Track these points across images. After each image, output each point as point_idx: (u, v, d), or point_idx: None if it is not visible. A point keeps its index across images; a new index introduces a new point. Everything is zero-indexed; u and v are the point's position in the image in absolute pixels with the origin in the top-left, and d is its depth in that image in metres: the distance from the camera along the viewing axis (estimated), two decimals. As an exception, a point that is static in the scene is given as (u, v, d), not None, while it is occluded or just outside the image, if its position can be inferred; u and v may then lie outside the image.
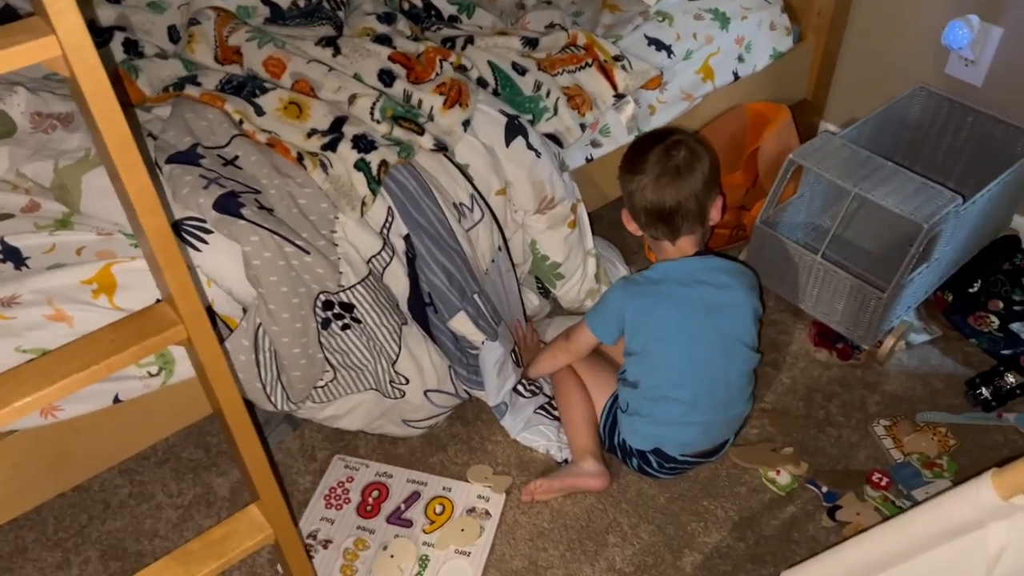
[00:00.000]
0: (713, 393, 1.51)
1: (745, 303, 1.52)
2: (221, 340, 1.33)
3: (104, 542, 1.53)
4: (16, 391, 0.92)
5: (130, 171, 0.89)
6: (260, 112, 1.51)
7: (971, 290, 1.81)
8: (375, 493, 1.58)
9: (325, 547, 1.50)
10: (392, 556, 1.48)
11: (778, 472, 1.59)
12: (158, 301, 1.29)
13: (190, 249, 1.31)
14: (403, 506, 1.56)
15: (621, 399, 1.56)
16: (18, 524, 1.55)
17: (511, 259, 1.67)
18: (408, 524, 1.54)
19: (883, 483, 1.56)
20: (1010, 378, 1.67)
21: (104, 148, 0.88)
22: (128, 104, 1.50)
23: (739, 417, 1.59)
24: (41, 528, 1.55)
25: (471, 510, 1.55)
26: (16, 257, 1.30)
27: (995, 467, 0.81)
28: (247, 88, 1.53)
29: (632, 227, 1.57)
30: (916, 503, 1.52)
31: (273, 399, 1.42)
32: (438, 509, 1.56)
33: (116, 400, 1.32)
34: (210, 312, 1.34)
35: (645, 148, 1.51)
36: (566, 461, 1.62)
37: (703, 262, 1.53)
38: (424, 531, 1.52)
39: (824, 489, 1.56)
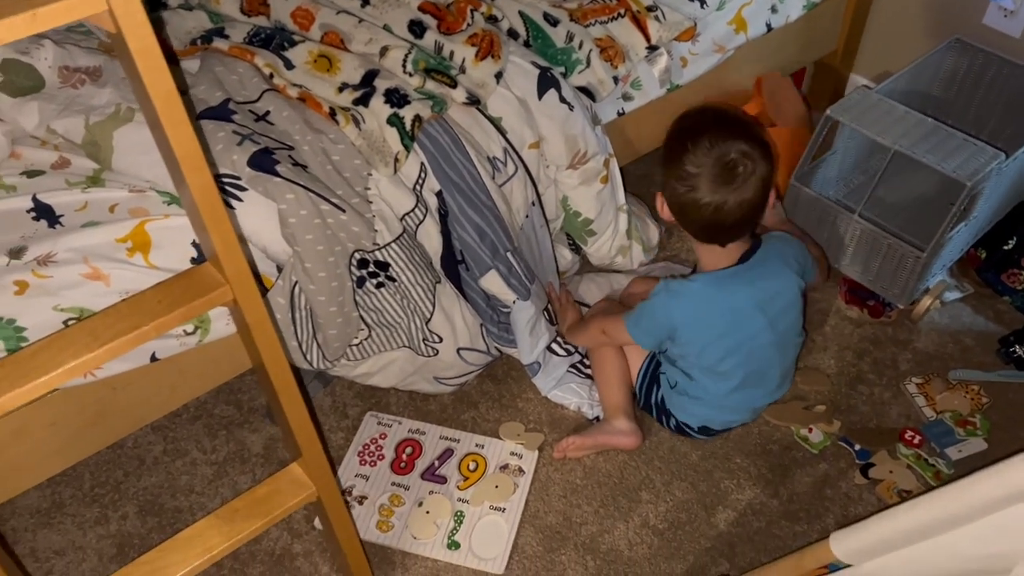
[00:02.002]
0: (765, 385, 1.53)
1: (797, 296, 1.48)
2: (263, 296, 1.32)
3: (141, 498, 1.55)
4: (67, 352, 0.92)
5: (176, 128, 0.87)
6: (290, 66, 1.48)
7: (1005, 247, 1.79)
8: (408, 450, 1.59)
9: (360, 503, 1.51)
10: (428, 512, 1.49)
11: (810, 430, 1.59)
12: (192, 260, 1.30)
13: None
14: (437, 463, 1.57)
15: (670, 376, 1.54)
16: (55, 481, 1.56)
17: (544, 214, 1.65)
18: (442, 480, 1.54)
19: (916, 441, 1.56)
20: (1044, 336, 1.66)
21: (150, 105, 0.85)
22: (174, 60, 1.46)
23: (783, 395, 1.60)
24: (78, 484, 1.57)
25: (504, 467, 1.56)
26: (49, 215, 1.28)
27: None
28: (275, 41, 1.50)
29: (665, 214, 1.44)
30: (950, 461, 1.53)
31: (309, 357, 1.42)
32: (471, 466, 1.56)
33: (153, 359, 1.31)
34: (246, 270, 1.33)
35: (696, 142, 1.32)
36: (597, 419, 1.62)
37: (754, 269, 1.43)
38: (458, 487, 1.53)
39: (856, 447, 1.57)
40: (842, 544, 0.99)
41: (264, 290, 1.36)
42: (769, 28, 1.94)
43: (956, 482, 0.86)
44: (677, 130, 1.41)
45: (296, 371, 1.51)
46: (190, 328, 1.32)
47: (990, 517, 0.84)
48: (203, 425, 1.66)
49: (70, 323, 1.20)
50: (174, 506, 1.53)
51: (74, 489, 1.56)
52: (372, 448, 1.60)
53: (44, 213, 1.28)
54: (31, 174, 1.33)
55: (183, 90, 1.43)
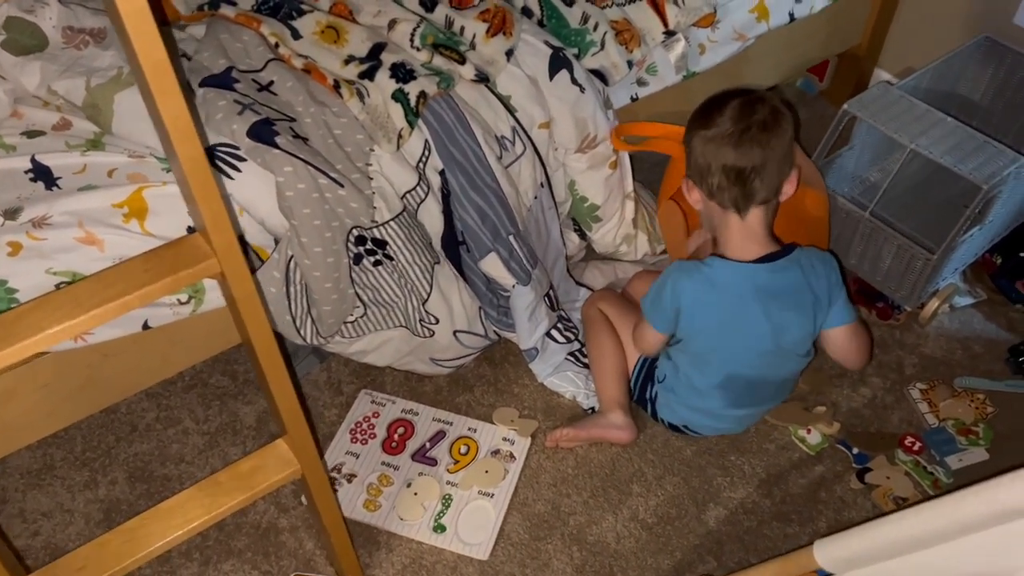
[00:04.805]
0: (756, 395, 1.50)
1: (810, 318, 1.42)
2: (252, 272, 1.31)
3: (131, 464, 1.55)
4: (49, 318, 0.91)
5: (165, 96, 0.85)
6: (296, 36, 1.45)
7: (1022, 254, 1.75)
8: (400, 430, 1.58)
9: (349, 481, 1.51)
10: (416, 493, 1.49)
11: (808, 431, 1.57)
12: (189, 229, 1.29)
13: (222, 177, 1.27)
14: (428, 444, 1.56)
15: (659, 369, 1.52)
16: (46, 442, 1.57)
17: (553, 196, 1.62)
18: (433, 462, 1.53)
19: (915, 448, 1.53)
20: (1055, 347, 1.62)
21: (140, 71, 0.83)
22: (165, 23, 1.45)
23: (775, 406, 1.57)
24: (69, 447, 1.57)
25: (496, 452, 1.55)
26: (47, 176, 1.27)
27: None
28: (283, 10, 1.48)
29: (694, 196, 1.41)
30: (949, 471, 1.50)
31: (303, 332, 1.40)
32: (463, 449, 1.55)
33: (145, 327, 1.30)
34: (241, 242, 1.32)
35: (722, 101, 1.36)
36: (592, 409, 1.60)
37: (774, 273, 1.38)
38: (448, 470, 1.52)
39: (855, 450, 1.54)
40: (825, 552, 0.97)
41: (260, 262, 1.35)
42: (792, 18, 1.89)
43: (943, 497, 0.83)
44: (708, 99, 1.43)
45: (284, 347, 1.51)
46: (184, 297, 1.31)
47: (976, 535, 0.81)
48: (197, 394, 1.65)
49: (62, 286, 1.20)
50: (163, 474, 1.53)
51: (65, 452, 1.56)
52: (364, 426, 1.59)
53: (42, 174, 1.27)
54: (31, 134, 1.33)
55: (187, 56, 1.42)
